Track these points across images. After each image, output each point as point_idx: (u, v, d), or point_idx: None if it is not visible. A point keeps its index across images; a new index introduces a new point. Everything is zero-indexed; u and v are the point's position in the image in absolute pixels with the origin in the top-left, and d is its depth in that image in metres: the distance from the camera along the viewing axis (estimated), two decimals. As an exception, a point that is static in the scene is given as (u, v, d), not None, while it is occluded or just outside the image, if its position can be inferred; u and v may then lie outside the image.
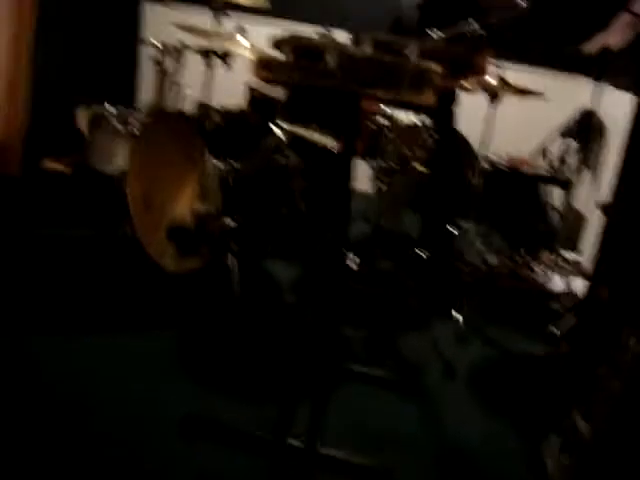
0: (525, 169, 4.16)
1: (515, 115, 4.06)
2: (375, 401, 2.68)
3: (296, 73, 1.65)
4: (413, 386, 2.83)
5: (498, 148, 4.06)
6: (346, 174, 2.00)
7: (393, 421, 2.59)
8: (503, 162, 4.18)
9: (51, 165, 4.58)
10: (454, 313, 3.33)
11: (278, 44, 1.77)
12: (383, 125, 3.02)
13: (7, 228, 3.66)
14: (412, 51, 1.69)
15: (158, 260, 3.29)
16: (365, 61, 1.61)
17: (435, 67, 1.60)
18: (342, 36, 2.12)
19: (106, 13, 5.10)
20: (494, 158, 4.16)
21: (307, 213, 3.40)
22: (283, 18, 5.25)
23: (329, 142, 3.15)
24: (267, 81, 1.77)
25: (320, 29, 2.20)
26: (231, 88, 3.87)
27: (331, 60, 1.59)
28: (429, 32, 2.89)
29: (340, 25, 4.88)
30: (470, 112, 3.90)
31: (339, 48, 1.60)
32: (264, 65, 1.70)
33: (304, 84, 1.67)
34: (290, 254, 3.71)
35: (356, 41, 1.76)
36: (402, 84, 1.60)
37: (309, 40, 1.81)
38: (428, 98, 1.62)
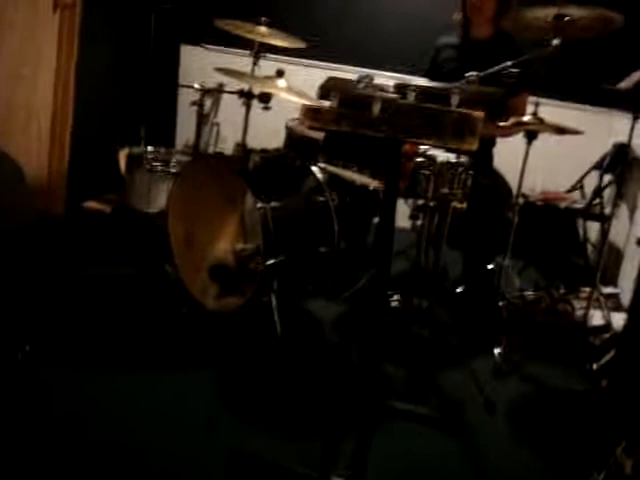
0: (561, 204, 4.19)
1: (550, 150, 4.09)
2: (417, 438, 2.70)
3: (343, 122, 1.70)
4: (454, 422, 2.84)
5: (533, 183, 4.09)
6: (390, 214, 2.04)
7: (435, 457, 2.60)
8: (538, 197, 4.21)
9: (93, 206, 4.68)
10: (494, 349, 3.35)
11: (325, 92, 1.82)
12: (421, 164, 3.07)
13: (51, 268, 3.74)
14: (454, 98, 1.74)
15: (199, 299, 3.34)
16: (409, 110, 1.67)
17: (477, 114, 1.65)
18: (382, 78, 2.16)
19: (145, 55, 5.22)
20: (530, 194, 4.19)
21: (347, 252, 3.44)
22: (320, 59, 5.33)
23: (370, 182, 3.21)
24: (314, 128, 1.83)
25: (360, 71, 2.25)
26: (269, 128, 3.95)
27: (377, 109, 1.64)
28: (467, 75, 2.94)
29: (375, 65, 5.01)
30: (505, 148, 3.94)
31: (384, 97, 1.66)
32: (311, 113, 1.76)
33: (350, 132, 1.72)
34: (330, 292, 3.75)
35: (399, 89, 1.82)
36: (445, 132, 1.65)
37: (356, 89, 1.87)
38: (471, 144, 1.66)
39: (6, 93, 3.99)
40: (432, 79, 3.91)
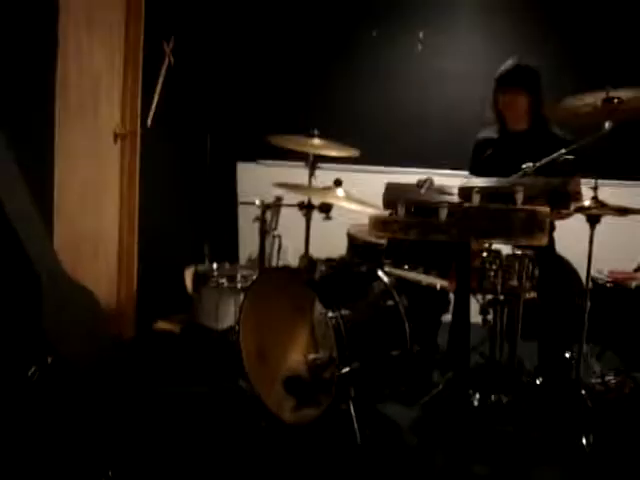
0: (631, 283, 4.11)
1: (613, 229, 4.04)
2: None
3: (411, 230, 1.73)
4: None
5: (600, 265, 4.03)
6: (464, 314, 2.04)
7: None
8: (607, 279, 4.14)
9: (163, 326, 4.75)
10: (581, 440, 3.25)
11: (390, 201, 1.86)
12: (487, 259, 3.07)
13: (127, 391, 3.77)
14: (519, 195, 1.76)
15: (276, 412, 3.34)
16: (476, 212, 1.68)
17: (544, 210, 1.66)
18: (436, 176, 2.19)
19: (203, 175, 5.40)
20: (598, 276, 4.13)
21: (420, 354, 3.42)
22: (373, 164, 5.42)
23: (437, 282, 3.21)
24: (383, 238, 1.86)
25: (413, 171, 2.28)
26: (330, 237, 4.00)
27: (443, 214, 1.67)
28: (524, 167, 2.97)
29: (427, 165, 5.08)
30: (566, 232, 3.91)
31: (450, 202, 1.68)
32: (379, 224, 1.79)
33: (419, 239, 1.74)
34: (406, 396, 3.70)
35: (463, 191, 1.84)
36: (514, 231, 1.66)
37: (421, 196, 1.90)
38: (540, 240, 1.67)
39: (74, 223, 4.13)
40: (476, 174, 3.92)
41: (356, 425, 3.10)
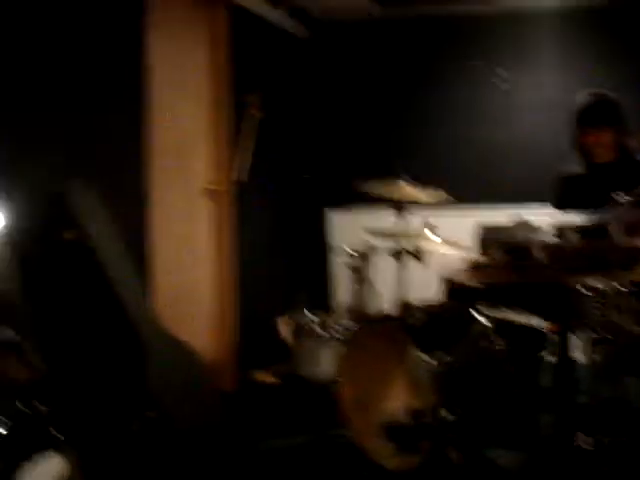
0: None
1: None
2: None
3: (510, 273, 1.71)
4: None
5: None
6: (566, 353, 2.00)
7: None
8: None
9: (262, 377, 4.79)
10: None
11: (486, 245, 1.85)
12: (586, 295, 2.99)
13: (227, 443, 3.80)
14: (614, 230, 1.72)
15: (378, 460, 3.31)
16: (573, 251, 1.66)
17: (642, 243, 1.62)
18: (534, 216, 2.16)
19: (295, 225, 5.47)
20: None
21: (519, 396, 3.34)
22: (463, 203, 5.37)
23: (537, 322, 3.14)
24: (480, 282, 1.84)
25: (513, 215, 2.25)
26: (424, 281, 3.97)
27: (541, 255, 1.65)
28: (615, 197, 2.90)
29: (513, 201, 5.02)
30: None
31: (547, 243, 1.66)
32: (477, 268, 1.78)
33: (517, 282, 1.72)
34: (512, 440, 3.61)
35: (558, 230, 1.81)
36: (612, 267, 1.62)
37: (516, 237, 1.88)
38: (640, 274, 1.63)
39: (170, 280, 4.23)
40: (564, 210, 3.80)
41: (459, 470, 3.04)
